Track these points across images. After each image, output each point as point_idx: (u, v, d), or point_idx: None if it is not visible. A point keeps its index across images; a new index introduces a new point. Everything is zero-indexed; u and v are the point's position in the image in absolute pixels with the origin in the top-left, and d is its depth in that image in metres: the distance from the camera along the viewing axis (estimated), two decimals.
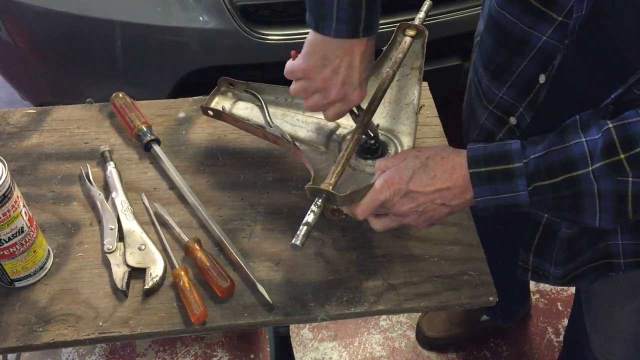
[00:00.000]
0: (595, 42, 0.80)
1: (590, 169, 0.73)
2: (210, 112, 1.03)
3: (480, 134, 1.03)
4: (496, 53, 0.94)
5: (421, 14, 1.02)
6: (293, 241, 0.78)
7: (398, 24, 1.01)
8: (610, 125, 0.72)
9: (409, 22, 1.01)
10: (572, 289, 1.91)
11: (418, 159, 0.82)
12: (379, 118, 1.01)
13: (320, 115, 1.03)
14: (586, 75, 0.83)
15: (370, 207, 0.84)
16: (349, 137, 0.92)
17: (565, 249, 0.96)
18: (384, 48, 1.01)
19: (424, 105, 1.10)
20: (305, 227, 0.79)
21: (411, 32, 0.99)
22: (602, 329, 1.15)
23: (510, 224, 1.36)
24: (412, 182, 0.81)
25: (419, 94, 0.99)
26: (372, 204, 0.83)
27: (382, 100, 1.01)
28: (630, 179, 0.71)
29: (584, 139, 0.74)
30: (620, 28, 0.77)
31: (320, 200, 0.82)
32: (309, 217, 0.80)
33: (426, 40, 1.00)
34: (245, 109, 1.05)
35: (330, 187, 0.83)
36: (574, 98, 0.82)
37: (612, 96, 0.77)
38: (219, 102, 1.05)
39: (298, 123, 1.02)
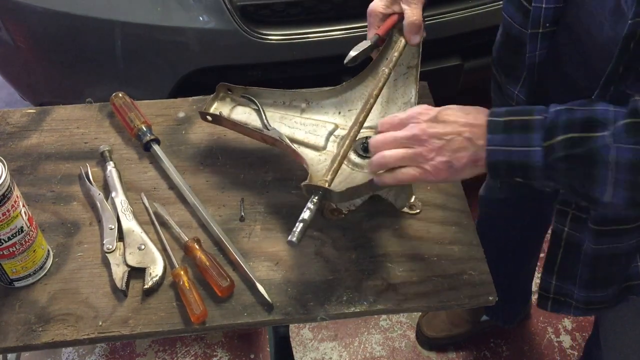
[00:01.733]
0: (573, 32, 0.80)
1: (610, 131, 0.68)
2: (209, 118, 1.04)
3: None
4: (504, 55, 0.96)
5: None
6: (289, 238, 0.79)
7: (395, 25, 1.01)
8: (638, 97, 0.69)
9: None
10: None
11: (446, 107, 0.78)
12: (377, 117, 1.01)
13: (318, 117, 1.03)
14: (575, 66, 0.84)
15: (393, 121, 0.79)
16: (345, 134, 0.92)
17: (591, 265, 0.91)
18: (381, 47, 1.01)
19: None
20: (301, 224, 0.80)
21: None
22: (614, 346, 1.14)
23: (525, 229, 1.35)
24: (444, 112, 0.77)
25: (417, 93, 0.99)
26: (395, 118, 0.79)
27: (380, 100, 1.01)
28: None
29: (611, 108, 0.70)
30: (591, 19, 0.77)
31: (316, 197, 0.82)
32: (305, 214, 0.81)
33: (422, 40, 1.00)
34: (243, 113, 1.05)
35: (327, 184, 0.83)
36: (573, 91, 0.82)
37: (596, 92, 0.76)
38: (218, 108, 1.05)
39: (296, 125, 1.02)
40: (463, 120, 0.76)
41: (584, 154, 0.70)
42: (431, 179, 0.77)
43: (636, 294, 0.94)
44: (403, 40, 0.99)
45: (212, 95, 1.06)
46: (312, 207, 0.81)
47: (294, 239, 0.79)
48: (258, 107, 1.04)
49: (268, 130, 1.00)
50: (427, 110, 0.78)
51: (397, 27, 1.01)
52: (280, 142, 0.98)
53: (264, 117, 1.02)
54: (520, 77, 0.94)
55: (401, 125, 0.79)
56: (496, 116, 0.75)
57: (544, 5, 0.81)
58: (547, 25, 0.83)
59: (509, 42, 1.00)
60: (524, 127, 0.72)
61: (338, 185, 0.89)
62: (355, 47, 0.97)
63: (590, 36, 0.81)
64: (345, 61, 0.96)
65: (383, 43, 1.00)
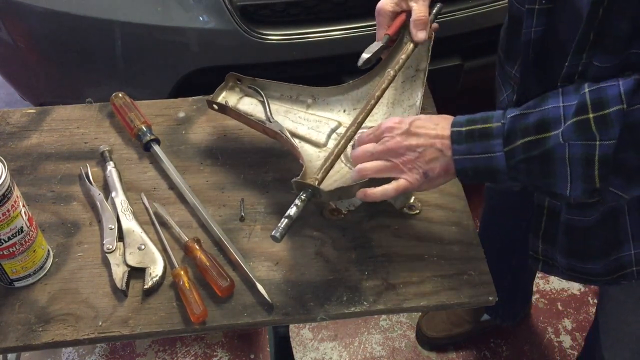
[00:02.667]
0: (568, 10, 0.82)
1: (561, 129, 0.73)
2: (215, 107, 1.04)
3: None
4: (505, 35, 1.03)
5: (431, 16, 1.03)
6: (273, 233, 0.80)
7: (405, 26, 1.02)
8: (587, 90, 0.73)
9: None
10: (573, 289, 1.91)
11: (416, 118, 0.83)
12: (381, 118, 1.01)
13: (323, 113, 1.03)
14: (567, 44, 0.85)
15: (368, 137, 0.85)
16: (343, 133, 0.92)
17: (567, 234, 0.95)
18: (391, 47, 1.01)
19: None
20: (286, 220, 0.80)
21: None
22: (612, 331, 1.15)
23: (528, 226, 1.36)
24: (415, 124, 0.82)
25: (422, 96, 0.99)
26: (369, 133, 0.84)
27: (385, 102, 1.01)
28: (597, 142, 0.71)
29: (561, 104, 0.75)
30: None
31: (305, 195, 0.83)
32: (291, 211, 0.81)
33: (432, 43, 1.01)
34: (250, 105, 1.05)
35: (317, 182, 0.83)
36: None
37: (566, 64, 0.79)
38: (226, 97, 1.06)
39: (300, 120, 1.02)
40: (433, 132, 0.81)
41: (541, 154, 0.75)
42: (411, 189, 0.83)
43: (629, 279, 0.96)
44: (412, 43, 0.99)
45: (221, 85, 1.06)
46: (299, 204, 0.82)
47: (277, 234, 0.80)
48: (263, 98, 1.04)
49: (270, 122, 1.01)
50: (399, 124, 0.83)
51: (408, 27, 1.01)
52: (280, 135, 0.99)
53: (267, 109, 1.03)
54: (517, 57, 0.97)
55: (376, 139, 0.85)
56: (458, 126, 0.80)
57: None
58: (543, 1, 0.85)
59: (510, 23, 1.04)
60: (483, 135, 0.78)
61: (332, 184, 0.89)
62: (368, 49, 0.98)
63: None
64: (358, 64, 0.97)
65: (394, 43, 1.01)
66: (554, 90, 0.78)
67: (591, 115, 0.71)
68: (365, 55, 0.97)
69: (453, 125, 0.81)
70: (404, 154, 0.82)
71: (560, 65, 0.82)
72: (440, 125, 0.81)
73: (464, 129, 0.80)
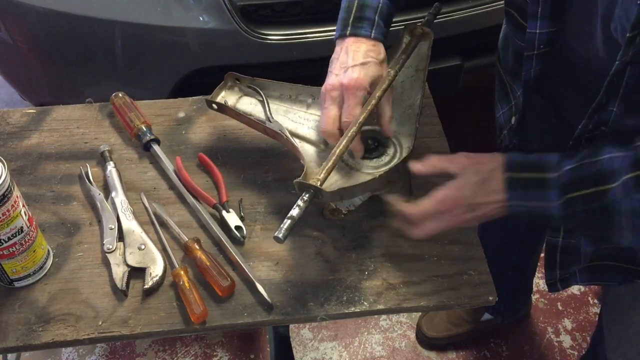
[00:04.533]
0: (566, 54, 0.85)
1: (619, 182, 0.73)
2: (215, 106, 1.04)
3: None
4: (507, 58, 1.06)
5: (429, 16, 1.03)
6: (275, 234, 0.79)
7: (404, 25, 1.02)
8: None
9: (416, 24, 1.02)
10: (573, 289, 1.91)
11: (480, 174, 0.82)
12: None
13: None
14: (566, 83, 0.87)
15: (427, 213, 0.84)
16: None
17: (587, 259, 0.98)
18: (390, 49, 1.01)
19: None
20: (289, 221, 0.80)
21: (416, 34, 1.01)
22: (616, 331, 1.15)
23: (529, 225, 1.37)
24: (475, 199, 0.82)
25: (422, 96, 0.99)
26: (429, 211, 0.84)
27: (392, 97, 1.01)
28: None
29: (616, 154, 0.75)
30: (584, 48, 0.81)
31: (307, 195, 0.82)
32: (294, 211, 0.81)
33: (432, 43, 1.00)
34: (249, 104, 1.05)
35: (319, 183, 0.83)
36: (559, 108, 0.85)
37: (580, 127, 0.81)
38: (225, 97, 1.06)
39: (300, 120, 1.02)
40: (491, 207, 0.82)
41: (600, 207, 0.75)
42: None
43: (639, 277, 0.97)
44: (412, 42, 0.99)
45: (220, 84, 1.06)
46: (301, 204, 0.82)
47: (280, 235, 0.79)
48: (263, 98, 1.04)
49: (270, 122, 1.01)
50: (459, 201, 0.82)
51: (408, 27, 1.01)
52: (280, 135, 0.99)
53: (267, 109, 1.03)
54: (520, 81, 0.97)
55: (434, 216, 0.84)
56: (514, 171, 0.80)
57: (537, 31, 0.86)
58: (542, 47, 0.88)
59: (512, 49, 1.05)
60: (540, 185, 0.79)
61: (334, 184, 0.89)
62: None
63: (582, 60, 0.85)
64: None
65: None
66: (604, 140, 0.79)
67: None
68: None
69: (508, 167, 0.81)
70: (467, 221, 0.84)
71: (563, 96, 0.84)
72: (494, 189, 0.81)
73: (519, 175, 0.80)
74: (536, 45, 0.87)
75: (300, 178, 0.85)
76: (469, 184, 0.82)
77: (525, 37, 0.87)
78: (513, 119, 1.06)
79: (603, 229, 0.78)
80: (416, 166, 0.86)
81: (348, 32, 0.93)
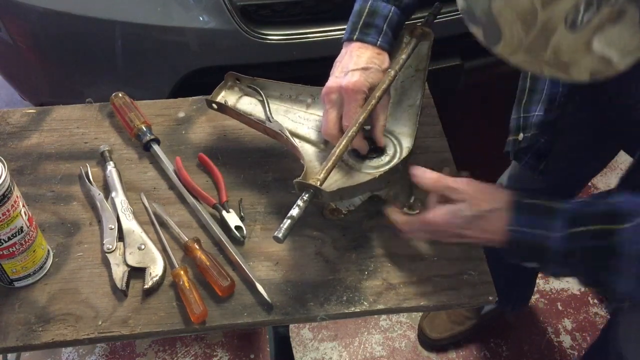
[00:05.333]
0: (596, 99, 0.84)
1: (631, 224, 0.71)
2: (215, 106, 1.04)
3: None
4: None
5: (430, 16, 1.03)
6: (275, 233, 0.79)
7: (405, 25, 1.02)
8: None
9: (416, 24, 1.02)
10: (573, 289, 1.91)
11: (476, 211, 0.81)
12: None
13: (321, 113, 1.03)
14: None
15: (413, 227, 0.87)
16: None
17: None
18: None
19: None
20: (289, 221, 0.80)
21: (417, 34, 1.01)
22: (634, 332, 1.13)
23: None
24: (466, 230, 0.82)
25: (422, 96, 0.99)
26: (417, 226, 0.86)
27: (389, 101, 1.01)
28: None
29: (633, 199, 0.74)
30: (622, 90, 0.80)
31: (307, 195, 0.83)
32: (294, 211, 0.81)
33: (432, 43, 1.00)
34: (249, 104, 1.05)
35: (318, 183, 0.83)
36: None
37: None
38: (225, 97, 1.06)
39: (300, 120, 1.02)
40: (486, 236, 0.82)
41: (604, 246, 0.73)
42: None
43: None
44: (413, 43, 0.99)
45: (220, 84, 1.06)
46: (301, 204, 0.82)
47: (280, 234, 0.79)
48: (263, 98, 1.04)
49: (270, 122, 1.01)
50: (448, 228, 0.83)
51: (409, 27, 1.01)
52: (280, 135, 0.99)
53: (267, 109, 1.03)
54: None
55: (426, 231, 0.87)
56: (519, 197, 0.79)
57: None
58: (562, 99, 0.89)
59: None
60: (547, 212, 0.77)
61: (333, 184, 0.89)
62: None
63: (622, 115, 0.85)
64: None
65: None
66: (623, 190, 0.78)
67: None
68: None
69: (513, 195, 0.80)
70: (452, 239, 0.85)
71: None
72: (487, 229, 0.81)
73: (526, 200, 0.79)
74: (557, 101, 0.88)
75: (300, 178, 0.85)
76: (463, 215, 0.81)
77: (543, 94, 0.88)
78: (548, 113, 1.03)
79: (600, 272, 0.75)
80: (418, 175, 0.86)
81: (355, 36, 0.93)
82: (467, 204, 0.81)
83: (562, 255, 0.76)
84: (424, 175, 0.86)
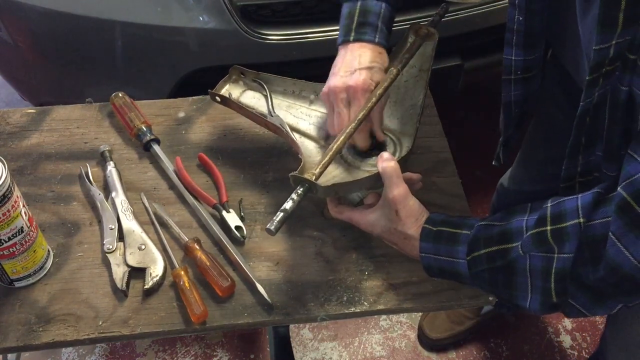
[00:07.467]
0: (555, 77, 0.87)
1: (522, 240, 0.74)
2: (218, 99, 1.05)
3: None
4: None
5: (436, 16, 1.03)
6: (267, 226, 0.79)
7: (409, 25, 1.02)
8: (549, 204, 0.74)
9: (421, 24, 1.02)
10: None
11: (395, 224, 0.84)
12: (384, 116, 1.01)
13: (324, 109, 1.03)
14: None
15: (344, 217, 0.90)
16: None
17: None
18: (394, 48, 1.01)
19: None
20: (281, 214, 0.80)
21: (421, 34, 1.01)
22: (619, 340, 1.14)
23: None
24: (383, 232, 0.87)
25: (425, 96, 0.99)
26: (346, 217, 0.90)
27: (388, 100, 1.01)
28: (555, 254, 0.71)
29: (525, 218, 0.76)
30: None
31: (301, 189, 0.83)
32: (287, 205, 0.81)
33: (436, 43, 1.01)
34: (252, 98, 1.06)
35: (314, 177, 0.83)
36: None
37: (563, 167, 0.83)
38: (229, 90, 1.06)
39: (301, 115, 1.03)
40: (401, 245, 0.86)
41: (503, 265, 0.76)
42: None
43: None
44: (417, 42, 0.99)
45: (224, 77, 1.07)
46: (295, 198, 0.82)
47: (272, 227, 0.79)
48: (267, 92, 1.04)
49: (271, 116, 1.01)
50: (372, 229, 0.88)
51: (414, 27, 1.01)
52: (281, 129, 0.99)
53: (270, 103, 1.03)
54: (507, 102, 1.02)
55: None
56: (431, 224, 0.83)
57: (513, 58, 0.89)
58: (519, 72, 0.90)
59: None
60: (450, 239, 0.80)
61: (330, 179, 0.89)
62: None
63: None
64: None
65: None
66: (520, 206, 0.79)
67: (549, 228, 0.71)
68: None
69: (427, 221, 0.83)
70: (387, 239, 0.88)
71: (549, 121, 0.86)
72: (409, 251, 0.86)
73: (435, 228, 0.81)
74: (513, 71, 0.89)
75: (296, 172, 0.85)
76: (382, 225, 0.86)
77: (503, 62, 0.90)
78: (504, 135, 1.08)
79: (506, 289, 0.77)
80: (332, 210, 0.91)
81: (352, 37, 0.93)
82: (387, 218, 0.85)
83: (471, 277, 0.79)
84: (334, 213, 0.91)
